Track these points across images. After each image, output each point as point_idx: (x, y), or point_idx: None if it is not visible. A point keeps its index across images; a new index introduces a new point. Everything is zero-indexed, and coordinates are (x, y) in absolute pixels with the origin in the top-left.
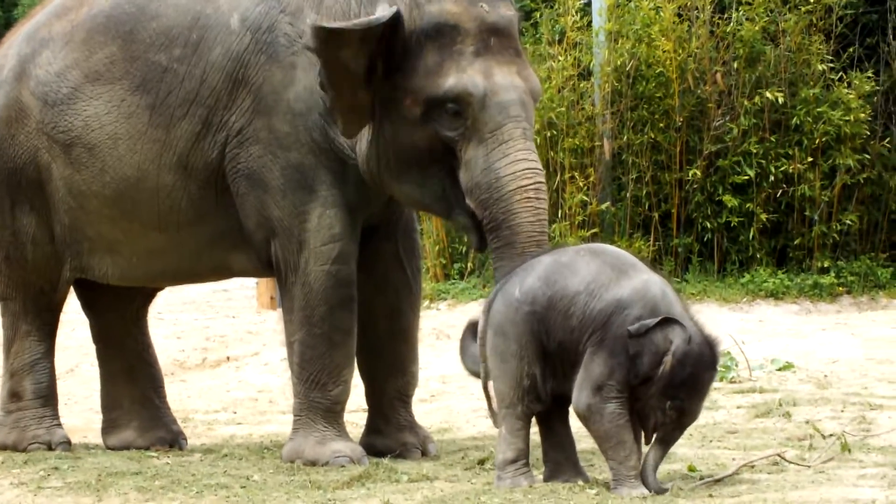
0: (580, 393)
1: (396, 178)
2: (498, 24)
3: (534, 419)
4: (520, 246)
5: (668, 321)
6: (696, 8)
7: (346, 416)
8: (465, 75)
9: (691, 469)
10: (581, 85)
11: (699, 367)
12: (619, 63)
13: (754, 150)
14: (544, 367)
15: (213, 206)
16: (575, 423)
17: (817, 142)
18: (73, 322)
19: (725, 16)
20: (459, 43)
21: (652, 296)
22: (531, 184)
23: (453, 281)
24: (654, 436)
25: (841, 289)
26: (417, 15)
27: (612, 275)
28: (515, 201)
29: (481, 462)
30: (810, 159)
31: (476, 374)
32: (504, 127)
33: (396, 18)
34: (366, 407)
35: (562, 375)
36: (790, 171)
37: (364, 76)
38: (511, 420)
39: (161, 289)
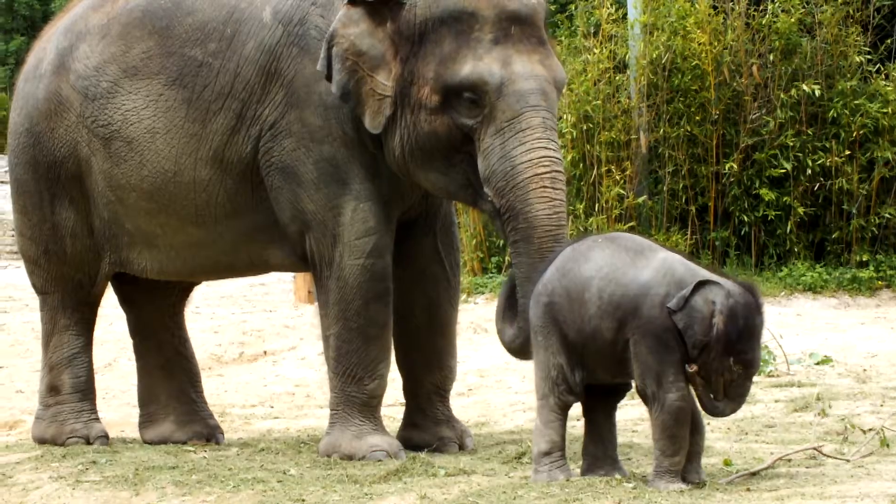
0: (644, 380)
1: (421, 166)
2: (520, 11)
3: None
4: (537, 241)
5: (702, 284)
6: (732, 0)
7: (384, 411)
8: (481, 63)
9: (727, 463)
10: (617, 78)
11: (748, 315)
12: (654, 56)
13: (791, 143)
14: (570, 357)
15: (248, 200)
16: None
17: (855, 134)
18: (111, 316)
19: (761, 8)
20: (477, 30)
21: (674, 270)
22: (547, 172)
23: (491, 275)
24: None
25: (880, 282)
26: (434, 2)
27: (627, 258)
28: (531, 191)
29: (519, 456)
30: (848, 152)
31: (516, 354)
32: (522, 115)
33: None
34: (403, 401)
35: (591, 365)
36: (827, 164)
37: (380, 60)
38: (545, 412)
39: (198, 283)
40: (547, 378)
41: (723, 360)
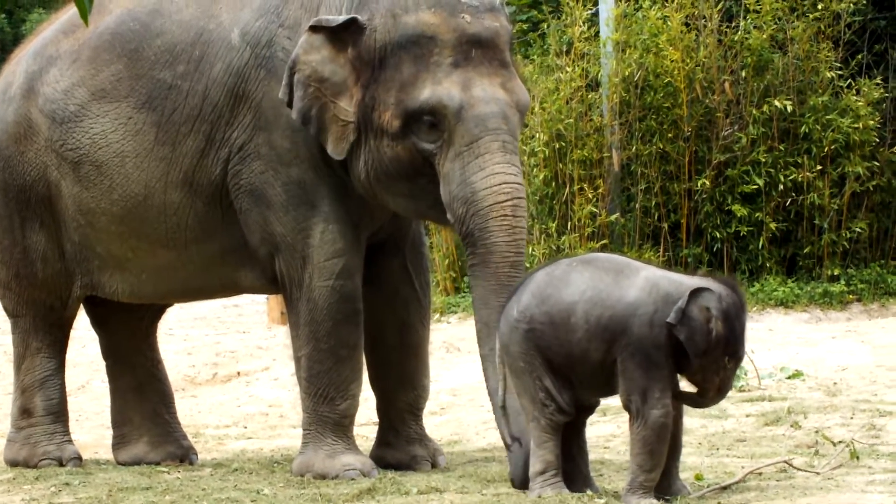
0: (628, 395)
1: (388, 190)
2: (481, 35)
3: None
4: (493, 266)
5: (694, 293)
6: (704, 17)
7: (357, 430)
8: (440, 87)
9: (698, 478)
10: (589, 96)
11: (739, 313)
12: (627, 73)
13: (763, 159)
14: (556, 379)
15: (219, 223)
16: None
17: (826, 150)
18: (84, 339)
19: (733, 24)
20: (437, 54)
21: (659, 286)
22: (508, 199)
23: (463, 294)
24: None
25: (851, 296)
26: (393, 26)
27: (609, 279)
28: (492, 218)
29: (492, 476)
30: (819, 167)
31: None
32: (481, 140)
33: (350, 24)
34: (376, 420)
35: (579, 385)
36: (799, 179)
37: (341, 86)
38: (537, 433)
39: (170, 305)
40: (535, 401)
41: (719, 361)
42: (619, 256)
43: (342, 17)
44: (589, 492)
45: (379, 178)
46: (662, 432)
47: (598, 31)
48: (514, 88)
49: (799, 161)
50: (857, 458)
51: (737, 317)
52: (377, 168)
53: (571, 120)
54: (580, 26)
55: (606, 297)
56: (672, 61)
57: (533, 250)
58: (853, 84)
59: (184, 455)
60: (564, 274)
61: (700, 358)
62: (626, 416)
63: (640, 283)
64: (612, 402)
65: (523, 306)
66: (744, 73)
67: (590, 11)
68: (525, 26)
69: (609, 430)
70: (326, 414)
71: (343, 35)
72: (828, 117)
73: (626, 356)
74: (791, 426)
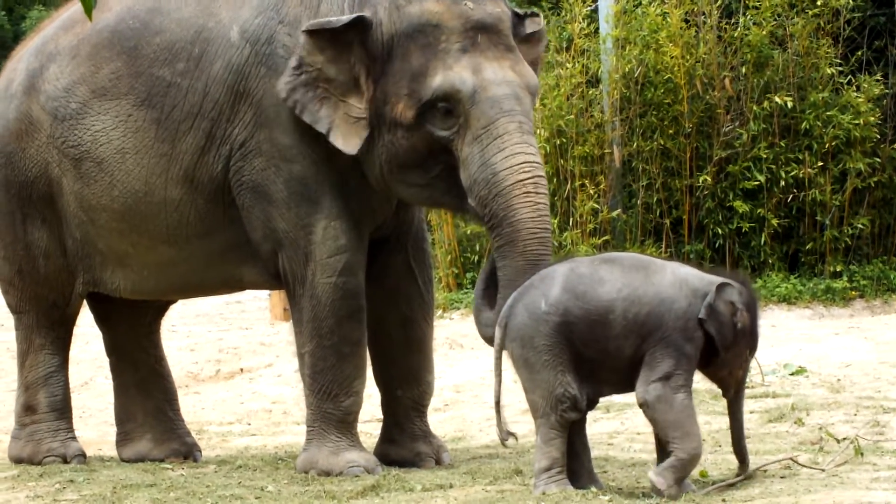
0: (646, 385)
1: (401, 182)
2: (485, 20)
3: None
4: (521, 244)
5: (719, 288)
6: (704, 13)
7: (361, 426)
8: (451, 72)
9: (703, 475)
10: (590, 92)
11: (756, 305)
12: (627, 69)
13: (764, 156)
14: (579, 374)
15: (220, 220)
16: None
17: (827, 146)
18: (87, 335)
19: (733, 21)
20: (444, 41)
21: (687, 281)
22: (530, 178)
23: (466, 290)
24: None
25: (853, 293)
26: (398, 18)
27: (640, 277)
28: (514, 196)
29: (496, 472)
30: (820, 164)
31: (491, 341)
32: (498, 121)
33: (356, 22)
34: (380, 417)
35: (602, 381)
36: (800, 175)
37: (349, 84)
38: (545, 430)
39: (173, 302)
40: (549, 396)
41: (743, 352)
42: (636, 254)
43: (346, 18)
44: (593, 488)
45: (393, 170)
46: (689, 411)
47: (598, 28)
48: (524, 71)
49: (800, 157)
50: (862, 454)
51: (755, 309)
52: (392, 161)
53: (572, 116)
54: (580, 23)
55: (643, 294)
56: (672, 57)
57: None
58: (853, 80)
59: (188, 452)
60: (593, 272)
61: (727, 351)
62: (628, 412)
63: (670, 278)
64: (616, 399)
65: (554, 300)
66: (744, 70)
67: (589, 8)
68: None
69: (612, 426)
70: (330, 411)
71: (348, 32)
72: (828, 113)
73: (659, 347)
74: (795, 423)
